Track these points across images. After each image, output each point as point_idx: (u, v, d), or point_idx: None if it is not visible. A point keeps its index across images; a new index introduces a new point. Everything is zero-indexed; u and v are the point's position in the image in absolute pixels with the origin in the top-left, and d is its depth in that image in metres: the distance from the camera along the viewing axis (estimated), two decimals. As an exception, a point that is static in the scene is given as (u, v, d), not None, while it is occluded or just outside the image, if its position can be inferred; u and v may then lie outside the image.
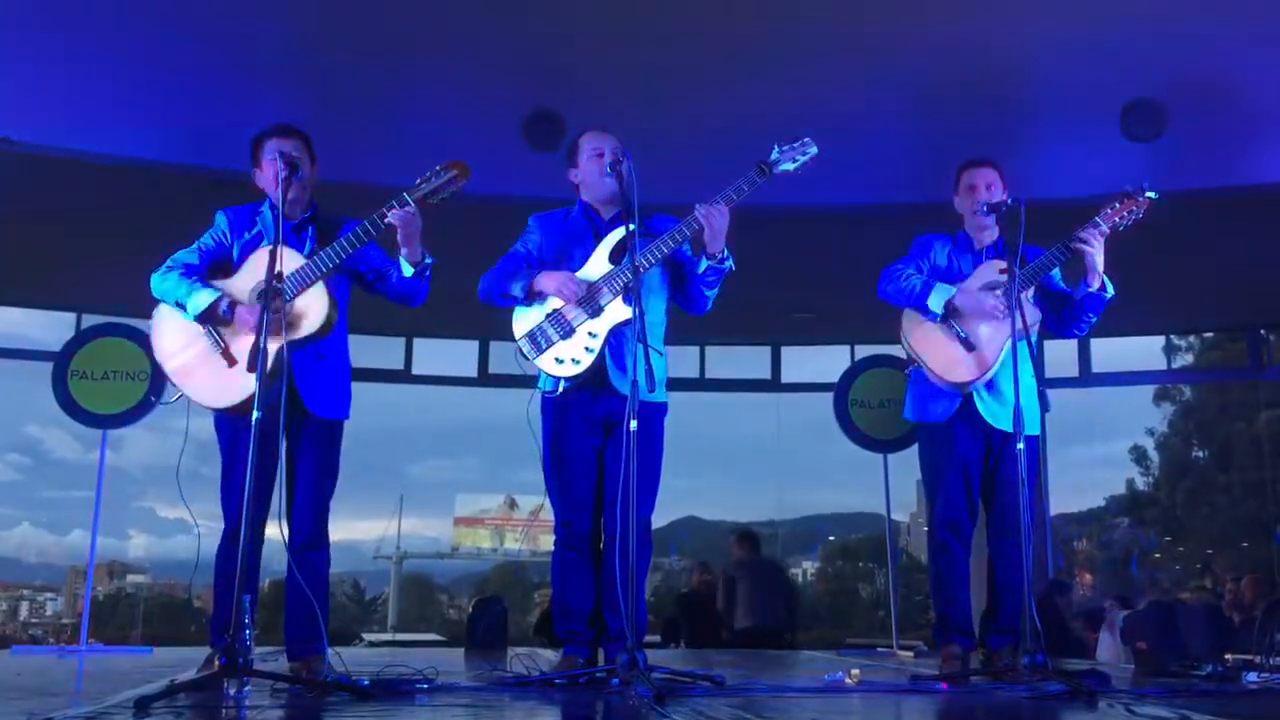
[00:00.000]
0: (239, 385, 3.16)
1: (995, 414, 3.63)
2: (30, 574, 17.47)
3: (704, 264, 3.41)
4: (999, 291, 3.57)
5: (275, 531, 3.06)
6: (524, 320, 3.46)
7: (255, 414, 2.78)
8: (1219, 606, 7.41)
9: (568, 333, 3.39)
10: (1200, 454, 16.91)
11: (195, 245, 3.42)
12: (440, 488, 19.29)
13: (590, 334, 3.38)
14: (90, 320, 7.31)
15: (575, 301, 3.39)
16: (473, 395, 9.53)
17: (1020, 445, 3.29)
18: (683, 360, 8.89)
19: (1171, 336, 9.51)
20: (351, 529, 16.12)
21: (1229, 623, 6.06)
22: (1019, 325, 3.31)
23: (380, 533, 16.86)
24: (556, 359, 3.39)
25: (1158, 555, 16.87)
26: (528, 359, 3.43)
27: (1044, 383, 3.58)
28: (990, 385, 3.64)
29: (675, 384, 3.68)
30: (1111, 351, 8.90)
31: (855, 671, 3.49)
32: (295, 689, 2.88)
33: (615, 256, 3.42)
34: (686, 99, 5.60)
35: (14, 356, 8.17)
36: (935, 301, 3.64)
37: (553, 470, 3.49)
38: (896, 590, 7.44)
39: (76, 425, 6.60)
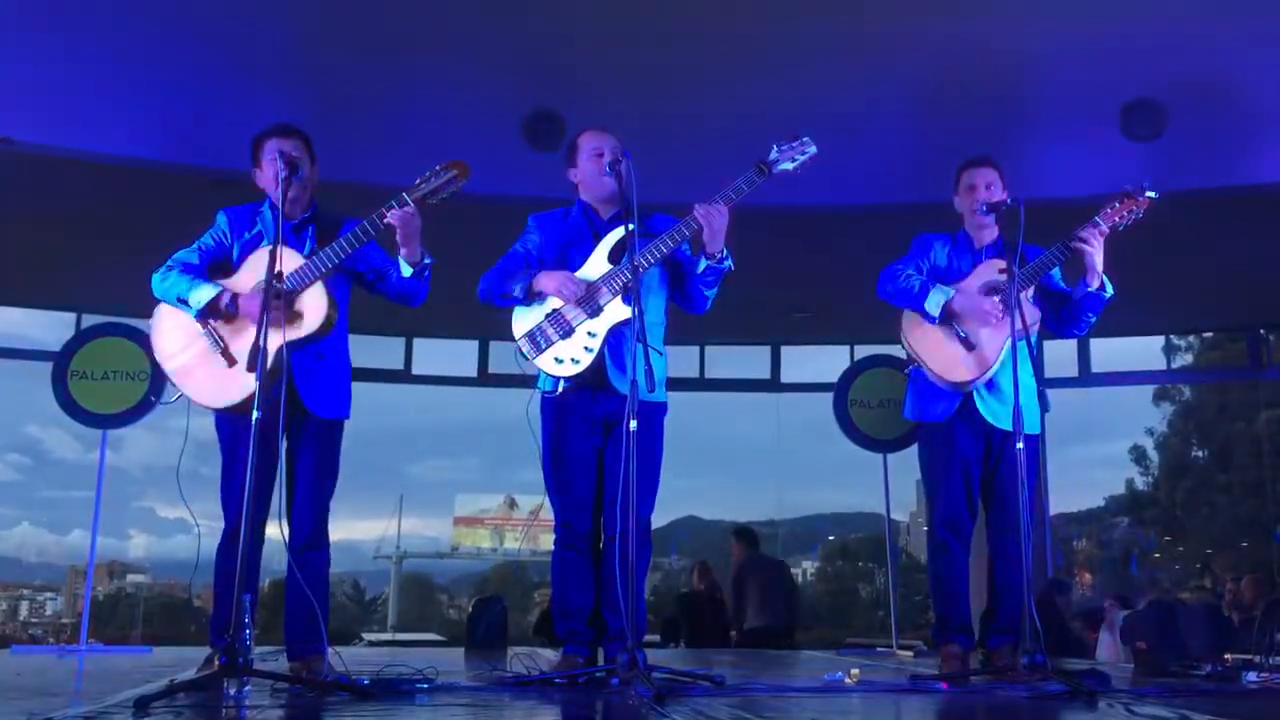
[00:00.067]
0: (239, 385, 3.16)
1: (995, 413, 3.63)
2: (30, 574, 17.50)
3: (703, 264, 3.41)
4: (997, 299, 3.57)
5: (275, 531, 3.06)
6: (523, 320, 3.45)
7: (255, 414, 2.78)
8: (1219, 606, 7.41)
9: (567, 332, 3.39)
10: (1200, 454, 16.92)
11: (195, 245, 3.42)
12: (440, 488, 19.31)
13: (589, 334, 3.38)
14: (90, 320, 7.32)
15: (574, 301, 3.39)
16: (473, 395, 9.54)
17: (1020, 445, 3.29)
18: (683, 360, 8.89)
19: (1171, 336, 9.52)
20: (351, 529, 16.14)
21: (1229, 622, 6.05)
22: (1019, 325, 3.31)
23: (380, 533, 16.87)
24: (556, 359, 3.39)
25: (1157, 555, 16.88)
26: (527, 359, 3.43)
27: (1044, 382, 3.59)
28: (990, 384, 3.63)
29: (675, 384, 3.67)
30: (1111, 351, 8.91)
31: (855, 671, 3.49)
32: (295, 689, 2.88)
33: (614, 256, 3.42)
34: (686, 99, 5.60)
35: (14, 356, 8.18)
36: (932, 304, 3.64)
37: (552, 470, 3.49)
38: (896, 590, 7.44)
39: (76, 425, 6.60)
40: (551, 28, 5.23)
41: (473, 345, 9.12)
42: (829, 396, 7.32)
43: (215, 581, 3.31)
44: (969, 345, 3.62)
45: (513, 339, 3.45)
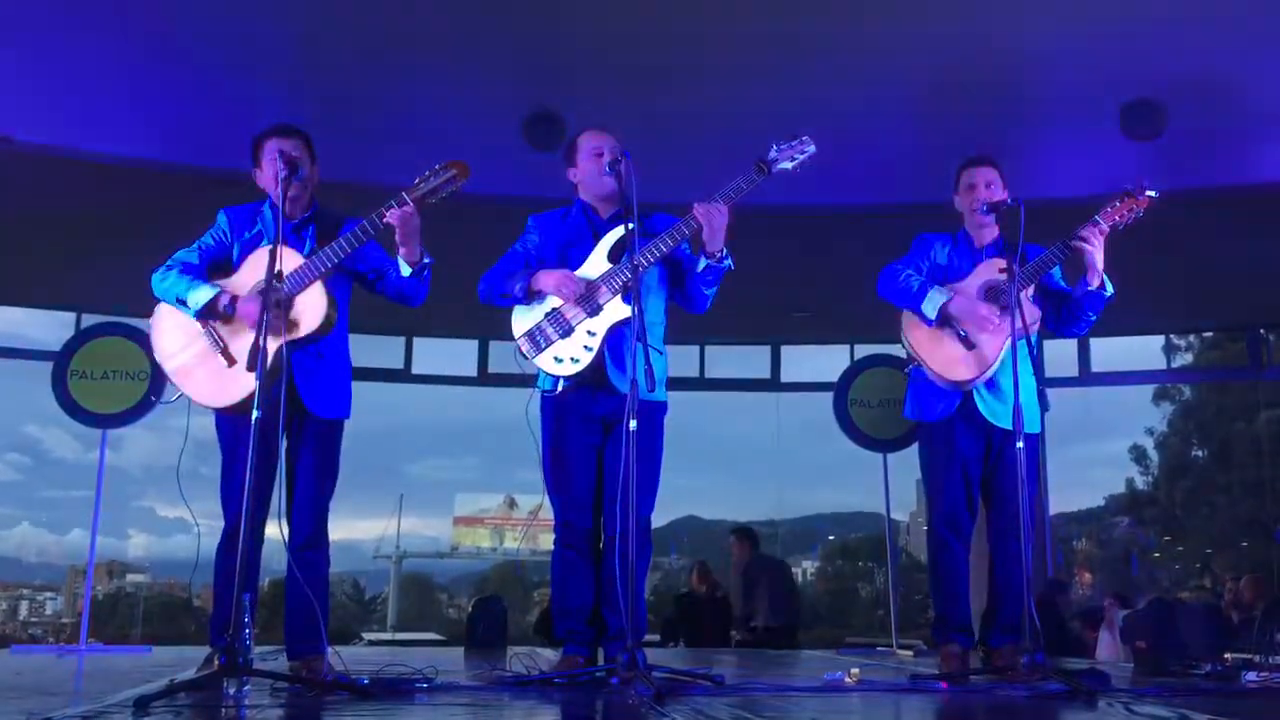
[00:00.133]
0: (238, 385, 3.16)
1: (995, 412, 3.63)
2: (30, 573, 17.51)
3: (703, 263, 3.41)
4: (995, 307, 3.57)
5: (275, 531, 3.06)
6: (523, 319, 3.45)
7: (255, 413, 2.78)
8: (1218, 606, 7.40)
9: (567, 332, 3.39)
10: (1200, 454, 16.93)
11: (195, 244, 3.42)
12: (440, 487, 19.34)
13: (589, 333, 3.38)
14: (90, 320, 7.32)
15: (574, 300, 3.39)
16: (472, 395, 9.55)
17: (1020, 444, 3.29)
18: (683, 360, 8.90)
19: (1171, 336, 9.53)
20: (351, 528, 16.15)
21: (1228, 622, 6.06)
22: (1019, 324, 3.31)
23: (380, 532, 16.88)
24: (555, 358, 3.39)
25: (1157, 554, 16.89)
26: (527, 358, 3.43)
27: (1044, 382, 3.58)
28: (990, 384, 3.63)
29: (675, 383, 3.67)
30: (1111, 351, 8.92)
31: (855, 671, 3.49)
32: (295, 688, 2.88)
33: (614, 255, 3.42)
34: (686, 99, 5.60)
35: (14, 356, 8.19)
36: (929, 306, 3.63)
37: (552, 469, 3.49)
38: (896, 589, 7.45)
39: (76, 425, 6.61)
40: (551, 28, 5.22)
41: (472, 345, 9.13)
42: (829, 396, 7.33)
43: (215, 581, 3.31)
44: (969, 344, 3.62)
45: (512, 338, 3.46)
